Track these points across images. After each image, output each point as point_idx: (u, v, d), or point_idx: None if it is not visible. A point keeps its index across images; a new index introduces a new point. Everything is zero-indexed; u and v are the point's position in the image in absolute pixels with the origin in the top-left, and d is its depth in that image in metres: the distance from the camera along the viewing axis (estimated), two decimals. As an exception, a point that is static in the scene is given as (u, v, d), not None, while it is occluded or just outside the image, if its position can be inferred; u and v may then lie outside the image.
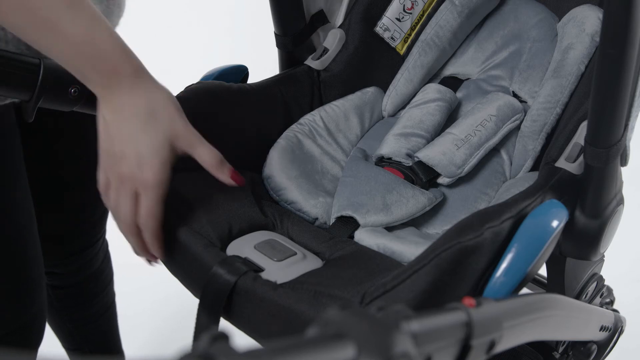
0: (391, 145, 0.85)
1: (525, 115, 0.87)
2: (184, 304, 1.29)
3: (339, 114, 0.91)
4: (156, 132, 0.61)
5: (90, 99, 0.79)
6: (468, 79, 1.00)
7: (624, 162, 0.69)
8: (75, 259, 1.06)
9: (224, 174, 0.65)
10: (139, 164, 0.61)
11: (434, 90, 0.92)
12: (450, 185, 0.83)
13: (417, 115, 0.89)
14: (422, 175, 0.82)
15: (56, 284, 1.08)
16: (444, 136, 0.85)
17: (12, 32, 0.58)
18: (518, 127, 0.87)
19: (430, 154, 0.82)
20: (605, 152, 0.61)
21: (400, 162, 0.84)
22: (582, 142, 0.68)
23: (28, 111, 0.73)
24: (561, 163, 0.70)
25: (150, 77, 0.63)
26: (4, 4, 0.54)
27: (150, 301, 1.68)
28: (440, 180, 0.82)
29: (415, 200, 0.77)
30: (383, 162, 0.85)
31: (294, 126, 0.88)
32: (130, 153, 0.61)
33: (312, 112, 0.90)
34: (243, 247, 0.68)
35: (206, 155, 0.64)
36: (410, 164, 0.84)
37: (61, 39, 0.57)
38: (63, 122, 0.86)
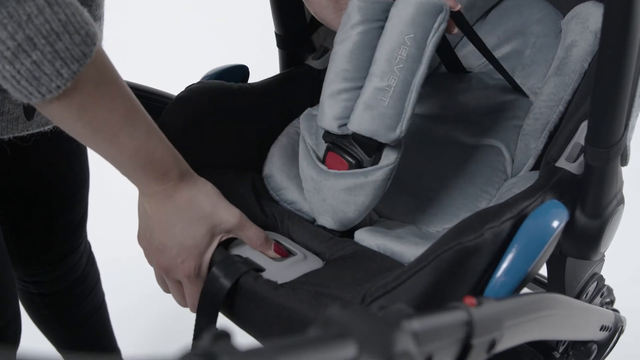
0: (325, 116, 0.72)
1: (445, 11, 0.69)
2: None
3: None
4: (196, 224, 0.63)
5: None
6: (469, 72, 1.00)
7: (624, 161, 0.69)
8: (58, 266, 1.06)
9: (270, 250, 0.68)
10: (179, 255, 0.63)
11: (354, 9, 0.70)
12: (450, 183, 0.83)
13: (340, 58, 0.71)
14: (366, 150, 0.71)
15: (42, 291, 1.08)
16: (367, 86, 0.70)
17: (69, 134, 0.59)
18: (514, 129, 0.86)
19: (361, 126, 0.70)
20: (606, 152, 0.61)
21: (339, 135, 0.72)
22: (582, 142, 0.68)
23: (29, 111, 0.73)
24: (561, 163, 0.70)
25: (193, 175, 0.65)
26: (65, 117, 0.55)
27: (144, 295, 1.68)
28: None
29: (370, 187, 0.71)
30: (329, 137, 0.74)
31: (295, 122, 0.87)
32: (171, 245, 0.63)
33: (314, 107, 0.90)
34: (244, 247, 0.68)
35: (253, 235, 0.67)
36: (349, 136, 0.72)
37: (117, 148, 0.58)
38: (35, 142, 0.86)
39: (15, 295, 0.88)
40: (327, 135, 0.74)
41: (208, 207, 0.64)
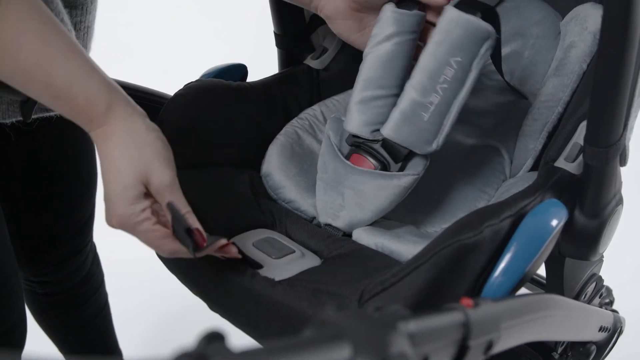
0: (354, 119, 0.75)
1: (492, 39, 0.70)
2: (179, 299, 1.29)
3: (339, 109, 0.91)
4: (128, 166, 0.58)
5: None
6: None
7: (623, 162, 0.69)
8: (64, 266, 1.05)
9: (189, 221, 0.60)
10: (107, 205, 0.59)
11: (389, 20, 0.73)
12: (449, 184, 0.83)
13: (375, 66, 0.74)
14: (394, 156, 0.73)
15: (47, 291, 1.08)
16: (406, 96, 0.71)
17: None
18: (515, 131, 0.86)
19: (396, 132, 0.72)
20: (605, 152, 0.61)
21: (368, 140, 0.75)
22: (581, 142, 0.68)
23: (26, 111, 0.73)
24: (560, 163, 0.70)
25: (137, 117, 0.59)
26: None
27: (146, 296, 1.68)
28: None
29: (393, 189, 0.72)
30: (354, 140, 0.76)
31: (294, 121, 0.87)
32: (104, 193, 0.59)
33: (312, 107, 0.90)
34: (242, 244, 0.68)
35: (180, 202, 0.60)
36: (380, 141, 0.74)
37: (41, 88, 0.56)
38: (39, 129, 0.86)
39: (21, 297, 0.88)
40: (353, 138, 0.76)
41: (147, 153, 0.58)
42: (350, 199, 0.73)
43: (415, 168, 0.73)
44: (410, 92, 0.70)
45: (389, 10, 0.72)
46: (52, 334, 1.18)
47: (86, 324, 1.16)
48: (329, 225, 0.75)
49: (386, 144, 0.73)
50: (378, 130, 0.73)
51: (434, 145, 0.71)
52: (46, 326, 1.16)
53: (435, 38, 0.69)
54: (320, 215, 0.76)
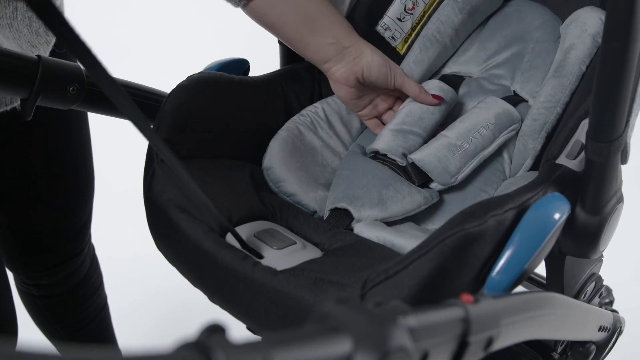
0: (387, 141, 0.84)
1: (519, 124, 0.86)
2: (178, 297, 1.29)
3: (341, 107, 0.91)
4: None
5: (88, 97, 0.79)
6: (469, 77, 1.00)
7: (624, 159, 0.69)
8: (60, 269, 1.05)
9: None
10: None
11: (436, 87, 0.89)
12: (450, 182, 0.83)
13: (417, 111, 0.86)
14: (415, 178, 0.81)
15: (44, 294, 1.08)
16: (439, 139, 0.83)
17: None
18: (515, 136, 0.87)
19: (426, 159, 0.81)
20: (607, 147, 0.61)
21: (394, 160, 0.83)
22: (582, 140, 0.68)
23: (26, 109, 0.73)
24: (562, 160, 0.70)
25: None
26: None
27: (145, 294, 1.68)
28: (432, 185, 0.82)
29: (411, 197, 0.77)
30: (378, 157, 0.84)
31: (295, 117, 0.88)
32: None
33: (314, 104, 0.90)
34: (243, 235, 0.67)
35: None
36: (405, 164, 0.83)
37: None
38: (33, 130, 0.84)
39: (9, 294, 0.87)
40: (377, 155, 0.84)
41: None
42: (373, 187, 0.76)
43: (431, 194, 0.80)
44: (444, 137, 0.83)
45: (439, 82, 0.89)
46: (50, 335, 1.18)
47: (84, 325, 1.16)
48: (340, 209, 0.75)
49: (409, 169, 0.82)
50: (406, 155, 0.83)
51: (452, 180, 0.80)
52: (43, 327, 1.16)
53: (481, 105, 0.86)
54: (333, 199, 0.76)
